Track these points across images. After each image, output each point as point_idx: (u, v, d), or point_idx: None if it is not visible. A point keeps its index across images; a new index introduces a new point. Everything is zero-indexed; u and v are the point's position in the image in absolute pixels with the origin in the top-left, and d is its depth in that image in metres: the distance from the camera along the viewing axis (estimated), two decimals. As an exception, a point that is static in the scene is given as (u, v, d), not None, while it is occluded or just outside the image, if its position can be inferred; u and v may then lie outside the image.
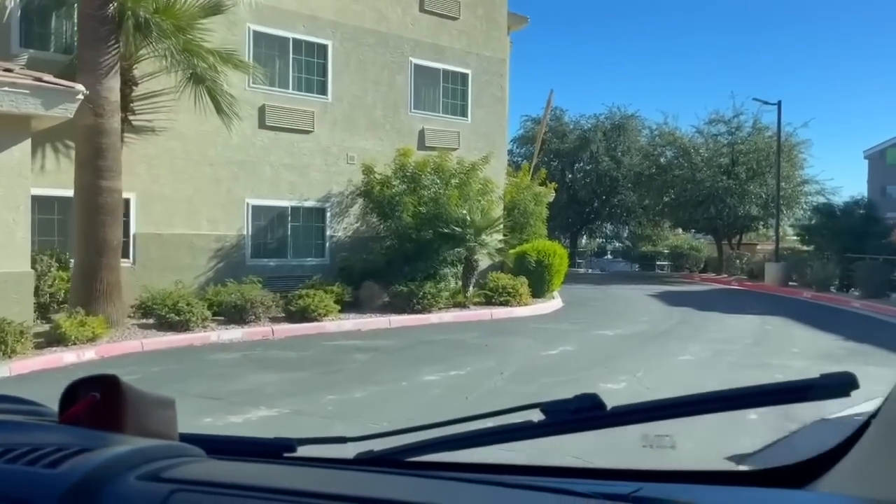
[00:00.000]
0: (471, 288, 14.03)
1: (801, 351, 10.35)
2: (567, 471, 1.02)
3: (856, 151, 69.75)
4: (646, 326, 13.01)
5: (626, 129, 32.78)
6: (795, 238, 28.58)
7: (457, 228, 13.52)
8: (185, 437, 1.00)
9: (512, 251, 16.90)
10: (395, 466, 1.02)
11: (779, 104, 23.90)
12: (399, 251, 13.93)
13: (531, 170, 21.52)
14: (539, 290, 16.24)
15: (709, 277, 28.22)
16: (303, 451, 1.07)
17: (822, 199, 27.25)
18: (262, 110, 13.77)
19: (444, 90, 16.49)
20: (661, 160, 29.13)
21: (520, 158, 35.51)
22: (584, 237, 38.70)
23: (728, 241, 29.99)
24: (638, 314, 14.89)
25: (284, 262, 14.04)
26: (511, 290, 14.56)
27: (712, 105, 60.51)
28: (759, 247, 32.83)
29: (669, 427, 1.10)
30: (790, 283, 23.54)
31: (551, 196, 24.71)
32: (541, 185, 20.34)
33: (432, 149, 15.63)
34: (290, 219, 14.18)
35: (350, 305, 12.95)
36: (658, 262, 34.93)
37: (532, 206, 18.29)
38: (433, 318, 12.86)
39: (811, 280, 21.99)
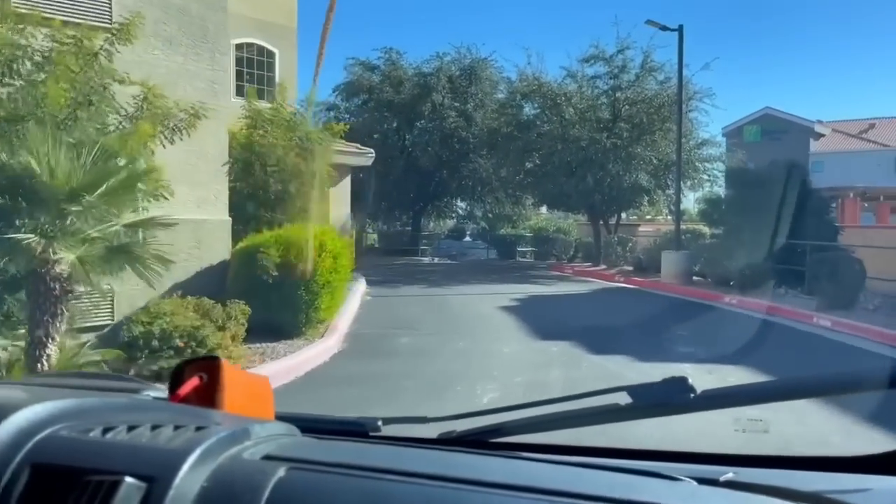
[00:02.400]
0: (51, 347, 5.43)
1: None
2: (656, 454, 0.99)
3: (713, 129, 67.69)
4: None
5: (478, 78, 25.24)
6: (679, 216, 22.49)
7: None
8: (278, 416, 1.01)
9: (241, 245, 8.57)
10: (478, 447, 1.00)
11: (680, 30, 17.16)
12: None
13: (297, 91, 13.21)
14: (289, 323, 8.07)
15: (584, 269, 21.43)
16: (386, 430, 1.05)
17: (722, 167, 21.20)
18: None
19: None
20: (523, 115, 21.81)
21: (347, 116, 27.16)
22: (433, 217, 30.99)
23: (605, 223, 23.42)
24: (477, 378, 7.05)
25: None
26: (184, 344, 6.20)
27: (589, 38, 38.59)
28: (641, 228, 26.68)
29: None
30: (694, 279, 17.09)
31: (362, 157, 16.63)
32: (324, 124, 12.06)
33: (38, 23, 6.82)
34: None
35: None
36: (520, 249, 27.96)
37: (292, 158, 9.94)
38: None
39: (730, 277, 15.48)
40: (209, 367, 0.98)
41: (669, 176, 20.43)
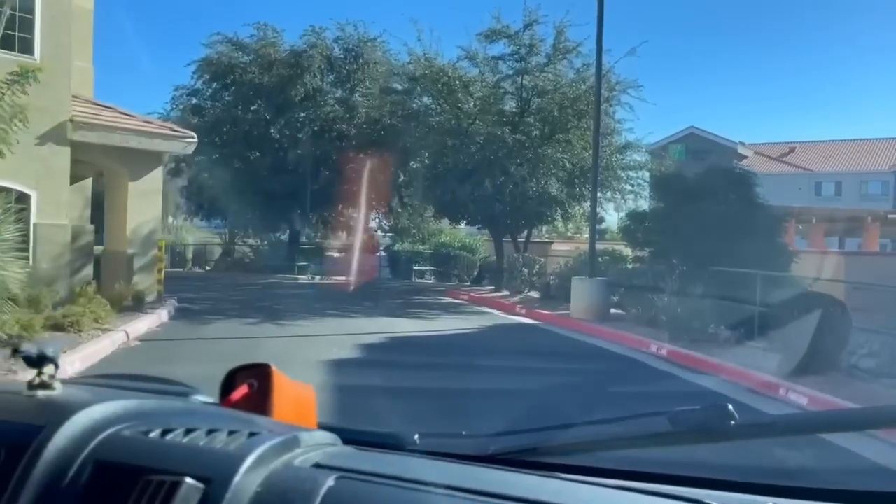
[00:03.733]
0: None
1: None
2: (696, 480, 0.97)
3: (640, 130, 65.41)
4: None
5: (366, 61, 21.09)
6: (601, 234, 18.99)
7: None
8: (318, 426, 1.03)
9: None
10: (514, 465, 0.98)
11: (600, -5, 13.46)
12: None
13: None
14: None
15: (483, 296, 17.48)
16: (422, 444, 1.06)
17: (647, 176, 17.74)
18: None
19: None
20: (411, 104, 17.71)
21: (209, 102, 22.47)
22: (322, 228, 26.30)
23: (513, 239, 19.63)
24: None
25: None
26: None
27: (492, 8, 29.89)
28: (554, 247, 23.04)
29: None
30: (612, 313, 13.37)
31: (176, 141, 12.39)
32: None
33: None
34: None
35: None
36: (417, 268, 23.82)
37: None
38: None
39: (658, 314, 11.76)
40: (259, 373, 0.99)
41: (586, 185, 16.78)
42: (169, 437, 0.77)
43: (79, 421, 0.75)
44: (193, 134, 13.06)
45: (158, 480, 0.68)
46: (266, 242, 24.06)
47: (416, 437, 1.07)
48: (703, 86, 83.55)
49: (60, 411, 0.77)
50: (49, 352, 0.84)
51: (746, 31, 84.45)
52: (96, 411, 0.78)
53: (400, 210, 23.27)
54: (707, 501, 0.77)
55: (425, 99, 17.70)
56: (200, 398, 1.04)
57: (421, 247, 24.57)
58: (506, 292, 17.94)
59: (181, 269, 25.49)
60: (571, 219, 19.53)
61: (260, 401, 0.97)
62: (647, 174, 17.21)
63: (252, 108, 20.85)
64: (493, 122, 16.33)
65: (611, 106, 16.53)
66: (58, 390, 0.86)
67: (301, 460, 0.76)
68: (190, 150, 13.14)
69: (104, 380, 1.15)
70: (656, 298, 12.00)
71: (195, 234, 28.41)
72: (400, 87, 17.48)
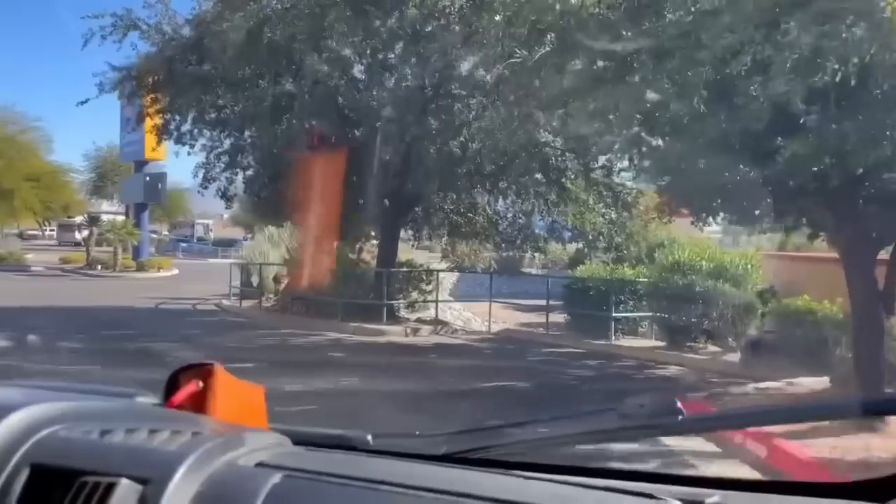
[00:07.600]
0: None
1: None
2: (646, 475, 0.97)
3: None
4: None
5: None
6: None
7: None
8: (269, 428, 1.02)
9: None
10: (467, 463, 0.99)
11: None
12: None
13: None
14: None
15: (813, 451, 5.22)
16: (375, 444, 1.05)
17: None
18: None
19: None
20: None
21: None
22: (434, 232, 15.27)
23: (861, 249, 6.97)
24: None
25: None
26: None
27: None
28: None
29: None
30: None
31: None
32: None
33: None
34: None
35: None
36: (619, 314, 11.69)
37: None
38: None
39: None
40: (204, 374, 0.97)
41: None
42: (107, 437, 0.75)
43: (13, 422, 0.73)
44: None
45: (94, 482, 0.67)
46: (343, 261, 13.72)
47: (369, 437, 1.06)
48: None
49: None
50: None
51: None
52: (32, 412, 0.76)
53: (579, 193, 11.55)
54: (653, 494, 0.77)
55: None
56: (145, 399, 1.00)
57: (630, 272, 12.47)
58: (884, 435, 5.48)
59: (238, 305, 16.20)
60: None
61: (206, 401, 0.94)
62: None
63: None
64: None
65: None
66: None
67: (245, 460, 0.75)
68: None
69: (45, 381, 1.09)
70: None
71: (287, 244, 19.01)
72: None
